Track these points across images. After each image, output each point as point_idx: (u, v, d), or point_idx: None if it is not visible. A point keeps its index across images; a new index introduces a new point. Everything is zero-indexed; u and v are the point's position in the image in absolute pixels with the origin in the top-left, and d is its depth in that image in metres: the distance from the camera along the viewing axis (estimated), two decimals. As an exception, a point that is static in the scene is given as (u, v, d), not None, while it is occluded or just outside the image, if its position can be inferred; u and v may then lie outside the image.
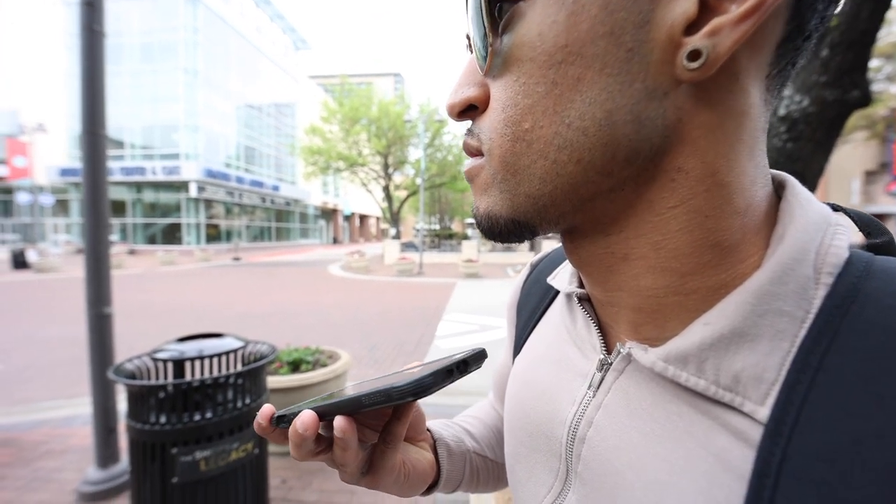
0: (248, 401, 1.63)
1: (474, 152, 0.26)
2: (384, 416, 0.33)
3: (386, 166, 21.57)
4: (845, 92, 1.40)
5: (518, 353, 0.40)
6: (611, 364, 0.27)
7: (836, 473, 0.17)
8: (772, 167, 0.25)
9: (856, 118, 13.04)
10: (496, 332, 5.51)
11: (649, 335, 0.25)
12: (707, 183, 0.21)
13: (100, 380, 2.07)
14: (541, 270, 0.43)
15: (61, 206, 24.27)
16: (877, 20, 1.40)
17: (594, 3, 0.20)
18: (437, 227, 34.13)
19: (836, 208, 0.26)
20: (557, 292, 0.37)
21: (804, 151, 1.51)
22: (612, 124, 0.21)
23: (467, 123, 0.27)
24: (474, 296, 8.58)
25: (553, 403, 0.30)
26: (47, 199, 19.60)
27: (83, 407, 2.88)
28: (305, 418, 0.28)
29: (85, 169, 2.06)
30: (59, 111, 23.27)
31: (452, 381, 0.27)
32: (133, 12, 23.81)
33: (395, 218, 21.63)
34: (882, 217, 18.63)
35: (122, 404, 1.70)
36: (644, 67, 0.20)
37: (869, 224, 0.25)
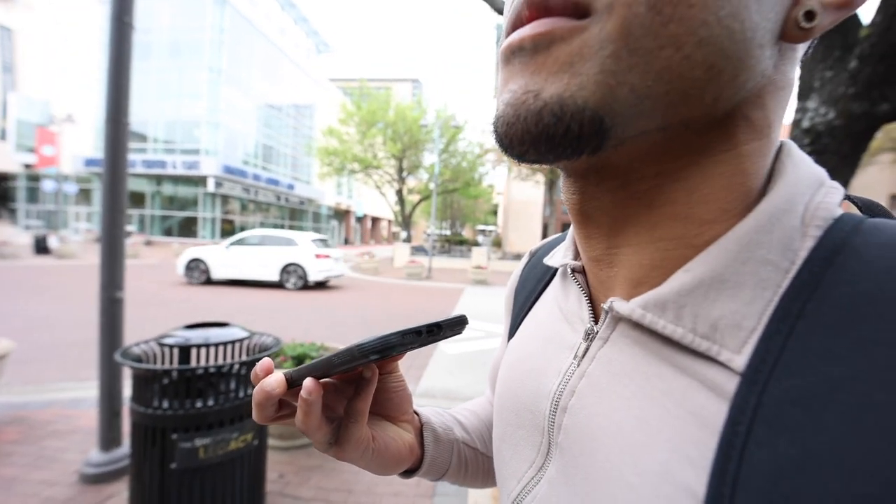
0: (249, 391, 1.63)
1: (568, 9, 0.19)
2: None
3: (400, 170, 21.72)
4: (874, 104, 1.35)
5: (512, 338, 0.39)
6: (597, 333, 0.26)
7: (809, 417, 0.16)
8: None
9: (882, 140, 12.72)
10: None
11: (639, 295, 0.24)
12: (762, 134, 0.22)
13: (107, 363, 2.10)
14: (539, 256, 0.42)
15: (84, 195, 24.96)
16: (910, 33, 1.36)
17: None
18: (448, 232, 34.16)
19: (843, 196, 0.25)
20: (553, 274, 0.37)
21: (828, 165, 1.46)
22: (752, 41, 0.19)
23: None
24: (482, 302, 8.54)
25: (540, 379, 0.30)
26: (71, 188, 20.20)
27: (91, 390, 2.93)
28: (274, 380, 0.29)
29: (106, 155, 2.11)
30: (88, 104, 24.06)
31: (423, 344, 0.26)
32: (163, 11, 24.56)
33: (406, 221, 21.73)
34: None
35: (128, 389, 1.72)
36: (776, 4, 0.20)
37: (872, 208, 0.25)
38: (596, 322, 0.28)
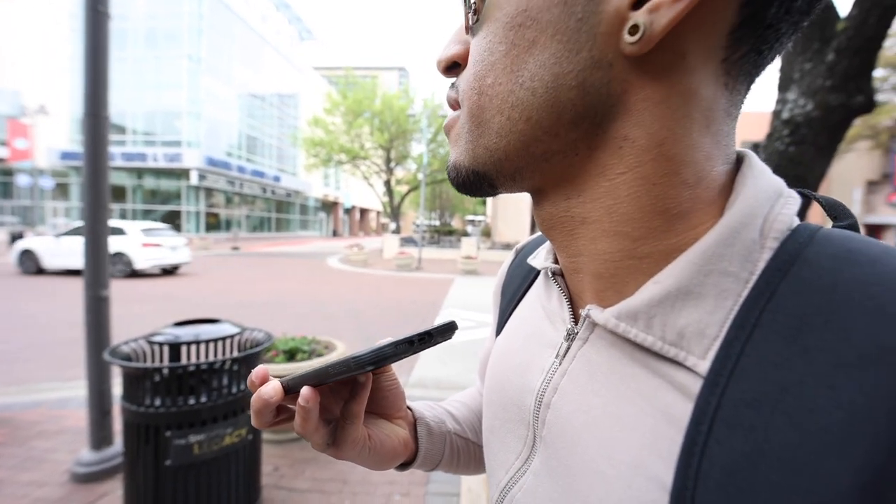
0: (242, 387, 1.63)
1: (453, 105, 0.29)
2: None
3: (388, 160, 21.52)
4: (850, 97, 1.40)
5: (500, 333, 0.41)
6: (577, 333, 0.28)
7: (762, 419, 0.18)
8: (774, 171, 0.26)
9: (860, 127, 13.03)
10: (493, 329, 5.51)
11: (611, 301, 0.26)
12: (653, 153, 0.22)
13: (95, 362, 2.08)
14: (525, 254, 0.44)
15: (61, 190, 24.19)
16: (884, 27, 1.40)
17: None
18: (438, 223, 34.11)
19: (804, 194, 0.27)
20: (538, 273, 0.39)
21: (806, 156, 1.51)
22: (558, 87, 0.23)
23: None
24: (472, 292, 8.59)
25: (524, 375, 0.32)
26: (47, 183, 19.54)
27: (79, 389, 2.88)
28: (271, 388, 0.31)
29: (86, 151, 2.05)
30: (61, 94, 23.15)
31: (415, 352, 0.27)
32: (138, -3, 23.64)
33: (395, 212, 21.62)
34: (882, 228, 18.62)
35: (117, 388, 1.71)
36: (591, 37, 0.22)
37: (834, 207, 0.27)
38: (576, 322, 0.30)
